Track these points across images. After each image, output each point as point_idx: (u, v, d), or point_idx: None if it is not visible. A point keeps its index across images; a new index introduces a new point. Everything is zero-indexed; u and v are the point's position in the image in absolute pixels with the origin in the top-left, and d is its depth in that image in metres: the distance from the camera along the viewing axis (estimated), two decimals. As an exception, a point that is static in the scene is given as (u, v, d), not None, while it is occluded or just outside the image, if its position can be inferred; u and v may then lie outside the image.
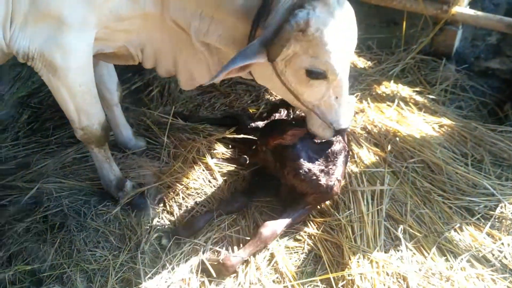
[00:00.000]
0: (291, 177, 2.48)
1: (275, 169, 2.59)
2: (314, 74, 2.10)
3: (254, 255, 2.38)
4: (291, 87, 2.19)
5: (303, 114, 2.51)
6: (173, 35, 2.33)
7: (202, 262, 2.32)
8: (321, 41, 1.99)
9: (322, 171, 2.46)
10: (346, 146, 2.63)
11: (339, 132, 2.37)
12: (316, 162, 2.48)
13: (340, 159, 2.52)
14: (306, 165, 2.44)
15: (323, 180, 2.44)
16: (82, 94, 2.23)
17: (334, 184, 2.47)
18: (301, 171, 2.43)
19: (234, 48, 2.16)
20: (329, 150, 2.51)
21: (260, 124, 2.99)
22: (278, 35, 1.93)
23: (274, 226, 2.42)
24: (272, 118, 3.00)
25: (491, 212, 2.68)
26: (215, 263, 2.29)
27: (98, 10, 2.04)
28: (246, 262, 2.36)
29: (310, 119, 2.38)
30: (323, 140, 2.49)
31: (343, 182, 2.69)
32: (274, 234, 2.41)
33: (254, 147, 2.79)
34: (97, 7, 2.04)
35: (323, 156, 2.50)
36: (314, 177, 2.43)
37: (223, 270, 2.27)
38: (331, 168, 2.47)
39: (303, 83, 2.15)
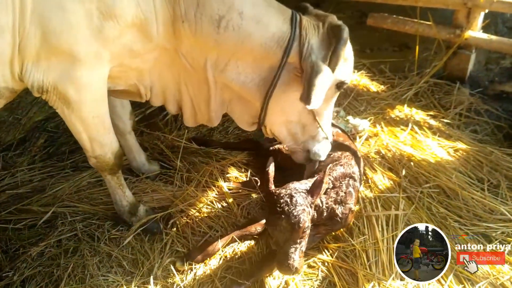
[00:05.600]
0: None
1: None
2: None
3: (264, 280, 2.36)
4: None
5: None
6: (182, 72, 2.35)
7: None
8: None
9: (335, 201, 2.41)
10: (354, 171, 2.58)
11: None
12: (328, 195, 2.41)
13: (347, 185, 2.48)
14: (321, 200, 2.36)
15: (338, 212, 2.40)
16: (95, 126, 2.23)
17: (347, 215, 2.45)
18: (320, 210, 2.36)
19: (252, 86, 2.28)
20: (332, 177, 2.46)
21: (278, 146, 2.94)
22: (336, 51, 2.13)
23: None
24: None
25: (508, 238, 2.63)
26: None
27: (111, 45, 2.03)
28: (259, 288, 2.34)
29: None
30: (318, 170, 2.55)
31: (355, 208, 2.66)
32: None
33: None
34: (110, 43, 2.02)
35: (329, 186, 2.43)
36: (330, 208, 2.38)
37: None
38: (342, 196, 2.43)
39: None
